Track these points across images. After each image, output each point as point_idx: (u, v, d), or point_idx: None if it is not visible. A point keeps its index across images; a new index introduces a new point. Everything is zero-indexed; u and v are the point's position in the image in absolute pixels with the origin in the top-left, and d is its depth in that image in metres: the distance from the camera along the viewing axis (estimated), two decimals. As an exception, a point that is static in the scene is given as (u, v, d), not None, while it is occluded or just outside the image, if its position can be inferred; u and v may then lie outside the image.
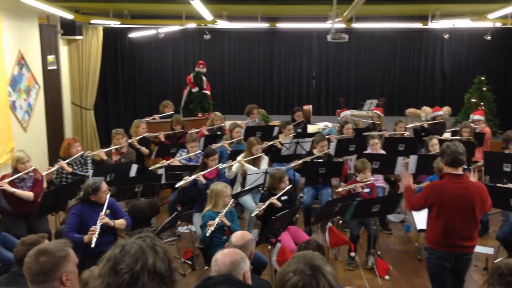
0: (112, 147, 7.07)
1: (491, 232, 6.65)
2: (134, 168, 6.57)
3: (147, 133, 7.75)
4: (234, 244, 3.23)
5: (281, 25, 10.69)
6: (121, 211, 5.04)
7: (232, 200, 5.21)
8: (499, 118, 11.26)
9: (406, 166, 6.90)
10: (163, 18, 10.30)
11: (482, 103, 10.70)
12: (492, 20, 8.62)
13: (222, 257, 2.60)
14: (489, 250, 5.99)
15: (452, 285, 4.28)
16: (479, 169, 7.30)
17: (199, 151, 6.92)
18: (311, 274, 1.79)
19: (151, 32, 11.21)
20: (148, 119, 8.95)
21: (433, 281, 4.35)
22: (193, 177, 5.90)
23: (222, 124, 8.55)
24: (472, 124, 8.25)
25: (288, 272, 1.81)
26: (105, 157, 6.75)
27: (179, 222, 6.32)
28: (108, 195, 4.84)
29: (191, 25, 9.99)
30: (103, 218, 4.62)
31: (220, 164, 6.40)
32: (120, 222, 4.88)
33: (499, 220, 6.78)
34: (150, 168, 6.89)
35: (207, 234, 4.77)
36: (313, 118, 12.45)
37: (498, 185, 5.79)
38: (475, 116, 8.76)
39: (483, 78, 10.95)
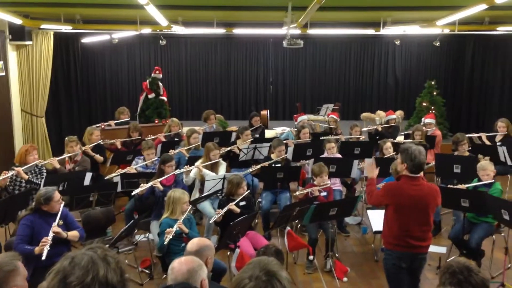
0: (66, 155, 6.87)
1: (444, 231, 6.85)
2: (88, 176, 6.39)
3: (101, 140, 7.57)
4: (189, 251, 3.19)
5: (237, 31, 10.71)
6: (75, 223, 4.88)
7: (190, 206, 5.15)
8: (449, 121, 11.68)
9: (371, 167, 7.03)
10: (117, 23, 10.11)
11: (432, 107, 11.06)
12: (440, 26, 8.94)
13: (178, 265, 2.56)
14: (442, 250, 6.17)
15: (408, 285, 4.37)
16: (431, 170, 7.54)
17: (156, 158, 6.82)
18: (266, 280, 1.79)
19: (104, 37, 10.98)
20: (103, 126, 8.75)
21: (390, 282, 4.43)
22: (150, 184, 5.80)
23: (180, 131, 8.46)
24: (423, 127, 8.51)
25: (243, 279, 1.80)
26: (58, 166, 6.54)
27: (136, 231, 6.21)
28: (62, 205, 4.68)
29: (146, 30, 9.86)
30: (55, 229, 4.45)
31: (178, 170, 6.32)
32: (73, 234, 4.72)
33: (451, 220, 7.01)
34: (106, 178, 6.73)
35: (165, 242, 4.69)
36: (271, 123, 12.53)
37: (449, 186, 5.98)
38: (426, 120, 9.05)
39: (433, 82, 11.33)
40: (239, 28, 10.55)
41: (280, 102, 14.99)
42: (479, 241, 5.48)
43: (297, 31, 9.70)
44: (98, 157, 7.35)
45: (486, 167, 5.72)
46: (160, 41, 10.97)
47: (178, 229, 4.79)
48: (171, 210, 4.96)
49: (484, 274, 5.48)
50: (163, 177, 5.92)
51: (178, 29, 9.81)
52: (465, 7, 7.03)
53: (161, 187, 5.78)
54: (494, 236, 5.75)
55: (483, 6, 6.47)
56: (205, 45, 14.52)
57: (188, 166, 6.60)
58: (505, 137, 7.98)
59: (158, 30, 10.05)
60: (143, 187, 5.75)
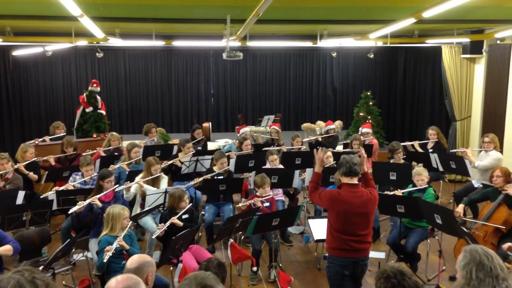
0: (-5, 173, 6.52)
1: (382, 237, 7.08)
2: (21, 195, 6.10)
3: (35, 158, 7.26)
4: (129, 268, 3.11)
5: (177, 43, 10.65)
6: (6, 237, 4.63)
7: (131, 222, 5.02)
8: (385, 130, 12.12)
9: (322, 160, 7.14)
10: (50, 35, 9.76)
11: (369, 117, 11.45)
12: (373, 39, 9.31)
13: (115, 284, 2.48)
14: (381, 255, 6.37)
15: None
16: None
17: (95, 174, 6.61)
18: None
19: (37, 49, 10.58)
20: (37, 142, 8.39)
21: (333, 289, 4.52)
22: (88, 201, 5.61)
23: (119, 145, 8.27)
24: (361, 137, 8.78)
25: (179, 294, 1.78)
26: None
27: (74, 250, 5.96)
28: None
29: (82, 42, 9.59)
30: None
31: (117, 185, 6.16)
32: (5, 249, 4.47)
33: (389, 226, 7.25)
34: (42, 196, 6.44)
35: (105, 260, 4.54)
36: (213, 135, 12.52)
37: (386, 192, 6.20)
38: (363, 129, 9.35)
39: (369, 93, 11.74)
40: (179, 40, 10.49)
41: (222, 114, 15.01)
42: (415, 246, 5.71)
43: (237, 44, 9.78)
44: (32, 175, 7.04)
45: (421, 173, 6.00)
46: (97, 54, 10.71)
47: (118, 246, 4.66)
48: (110, 226, 4.81)
49: (421, 277, 5.73)
50: (102, 193, 5.74)
51: (116, 41, 9.62)
52: (396, 21, 7.36)
53: (99, 204, 5.60)
54: (428, 240, 6.01)
55: (412, 20, 6.80)
56: (144, 57, 14.32)
57: (128, 181, 6.46)
58: (436, 144, 8.40)
59: (94, 42, 9.80)
60: (81, 204, 5.55)
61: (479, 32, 9.54)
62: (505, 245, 4.94)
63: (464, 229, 5.08)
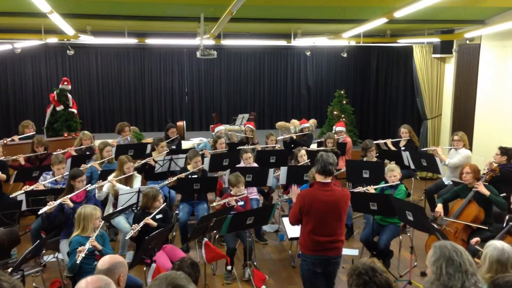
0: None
1: (356, 234, 7.16)
2: (-11, 195, 5.94)
3: (3, 157, 7.07)
4: (100, 269, 3.07)
5: (150, 41, 10.53)
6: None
7: (103, 222, 4.94)
8: (358, 129, 12.26)
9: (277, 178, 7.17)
10: (19, 32, 9.53)
11: (343, 115, 11.56)
12: (346, 38, 9.40)
13: (85, 285, 2.44)
14: (355, 252, 6.45)
15: (324, 289, 4.51)
16: (342, 176, 7.86)
17: (67, 173, 6.49)
18: None
19: (6, 46, 10.30)
20: (5, 141, 8.18)
21: (306, 287, 4.54)
22: (58, 201, 5.49)
23: (91, 144, 8.13)
24: (335, 135, 8.86)
25: (150, 295, 1.76)
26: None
27: (44, 251, 5.83)
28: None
29: (52, 39, 9.39)
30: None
31: (89, 185, 6.06)
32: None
33: (362, 223, 7.34)
34: (11, 196, 6.28)
35: (78, 261, 4.46)
36: (188, 134, 12.45)
37: (359, 188, 6.27)
38: (337, 128, 9.44)
39: (342, 92, 11.85)
40: (152, 38, 10.38)
41: (196, 112, 14.93)
42: (387, 242, 5.79)
43: (211, 42, 9.73)
44: (0, 175, 6.87)
45: (394, 169, 6.08)
46: (68, 51, 10.51)
47: (90, 246, 4.58)
48: (82, 227, 4.72)
49: (393, 273, 5.81)
50: (73, 193, 5.64)
51: (87, 39, 9.45)
52: (368, 20, 7.45)
53: (71, 204, 5.49)
54: (400, 237, 6.10)
55: (384, 20, 6.89)
56: (117, 55, 14.13)
57: (101, 180, 6.36)
58: (408, 142, 8.54)
59: (65, 40, 9.61)
60: (51, 204, 5.43)
61: (449, 32, 9.74)
62: (473, 240, 5.07)
63: (435, 226, 5.18)
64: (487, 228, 5.40)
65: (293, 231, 5.64)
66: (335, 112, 11.64)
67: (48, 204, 5.46)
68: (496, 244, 3.26)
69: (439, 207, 5.96)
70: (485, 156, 7.72)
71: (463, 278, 2.63)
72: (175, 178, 6.78)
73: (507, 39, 8.18)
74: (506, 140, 7.44)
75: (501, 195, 5.69)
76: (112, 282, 2.48)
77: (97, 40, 9.96)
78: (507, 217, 5.00)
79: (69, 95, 10.04)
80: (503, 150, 6.67)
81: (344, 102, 11.75)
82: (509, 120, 8.16)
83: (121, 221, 6.14)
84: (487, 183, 5.77)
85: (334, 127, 9.81)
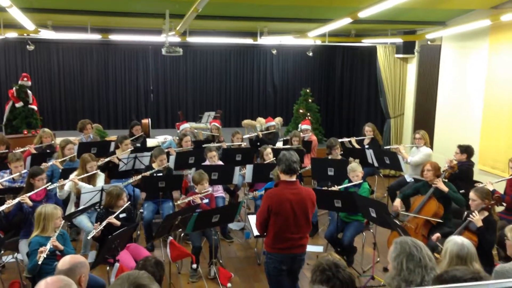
0: None
1: (320, 231, 7.24)
2: None
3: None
4: (60, 270, 3.00)
5: (114, 37, 10.33)
6: None
7: (63, 221, 4.82)
8: (324, 127, 12.39)
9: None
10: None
11: (308, 114, 11.65)
12: (312, 38, 9.49)
13: (44, 286, 2.38)
14: (319, 249, 6.51)
15: (288, 285, 4.55)
16: (308, 173, 7.94)
17: (25, 171, 6.30)
18: None
19: (-38, 41, 9.94)
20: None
21: (271, 283, 4.56)
22: (17, 200, 5.32)
23: (52, 142, 7.93)
24: (300, 133, 8.93)
25: (112, 295, 1.73)
26: None
27: (2, 251, 5.66)
28: None
29: (11, 34, 9.09)
30: None
31: (50, 184, 5.90)
32: None
33: (327, 220, 7.43)
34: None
35: (39, 262, 4.33)
36: (153, 131, 12.30)
37: (324, 188, 6.34)
38: (303, 126, 9.52)
39: (308, 90, 11.94)
40: (116, 34, 10.19)
41: (162, 110, 14.76)
42: (351, 239, 5.88)
43: (177, 39, 9.64)
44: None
45: (355, 169, 6.17)
46: (28, 46, 10.21)
47: (51, 247, 4.47)
48: (42, 227, 4.59)
49: (356, 268, 5.91)
50: (33, 192, 5.48)
51: (48, 34, 9.20)
52: (333, 20, 7.54)
53: (30, 203, 5.33)
54: (364, 233, 6.21)
55: (349, 20, 7.00)
56: (79, 51, 13.80)
57: (62, 179, 6.21)
58: (372, 141, 8.70)
59: (25, 35, 9.32)
60: (9, 203, 5.26)
61: (411, 33, 9.97)
62: (434, 236, 5.20)
63: (397, 222, 5.29)
64: (442, 221, 5.55)
65: (259, 228, 5.65)
66: (300, 111, 11.73)
67: (6, 202, 5.28)
68: (456, 240, 3.36)
69: (397, 202, 6.11)
70: (445, 154, 7.94)
71: (422, 273, 2.70)
72: (139, 176, 6.68)
73: (467, 40, 8.43)
74: (465, 139, 7.67)
75: (460, 191, 5.87)
76: (73, 282, 2.43)
77: (58, 36, 9.72)
78: (465, 213, 5.15)
79: (29, 92, 9.78)
80: (462, 148, 6.88)
81: (310, 100, 11.85)
82: (468, 119, 8.42)
83: (83, 220, 6.02)
84: (446, 180, 5.93)
85: (299, 125, 9.88)
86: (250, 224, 6.01)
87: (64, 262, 3.10)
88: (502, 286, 1.11)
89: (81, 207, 5.83)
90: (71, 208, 6.23)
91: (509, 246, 3.72)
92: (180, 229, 5.78)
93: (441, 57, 9.23)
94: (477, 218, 4.79)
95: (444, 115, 9.19)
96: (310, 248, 5.94)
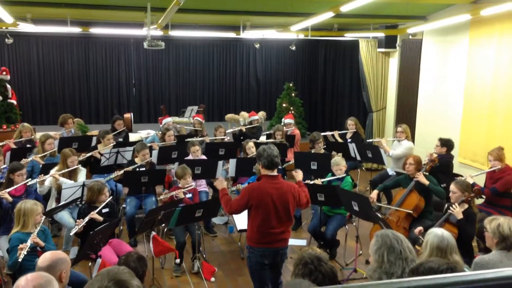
0: None
1: (304, 225, 7.28)
2: None
3: None
4: (40, 266, 2.97)
5: (94, 30, 10.19)
6: None
7: (44, 217, 4.77)
8: (307, 121, 12.43)
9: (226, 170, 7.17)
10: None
11: (291, 108, 11.68)
12: (295, 32, 9.49)
13: (25, 283, 2.35)
14: (303, 242, 6.56)
15: (271, 279, 4.57)
16: (291, 168, 7.95)
17: (4, 166, 6.21)
18: None
19: None
20: None
21: (253, 278, 4.58)
22: (-4, 196, 5.25)
23: (32, 136, 7.81)
24: (284, 127, 8.94)
25: (91, 291, 1.72)
26: None
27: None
28: None
29: (-11, 27, 8.92)
30: None
31: (30, 179, 5.82)
32: None
33: (310, 214, 7.46)
34: None
35: (20, 259, 4.28)
36: (135, 126, 12.20)
37: (307, 181, 6.36)
38: (286, 120, 9.52)
39: (291, 84, 11.96)
40: (97, 28, 10.05)
41: (144, 104, 14.63)
42: (334, 232, 5.93)
43: (159, 33, 9.54)
44: None
45: (339, 163, 6.21)
46: (6, 40, 10.01)
47: (32, 243, 4.41)
48: (22, 223, 4.54)
49: (339, 261, 5.95)
50: (12, 188, 5.40)
51: (27, 27, 9.03)
52: (315, 14, 7.54)
53: (9, 198, 5.27)
54: (347, 226, 6.27)
55: (331, 14, 7.00)
56: (60, 44, 13.58)
57: (42, 175, 6.13)
58: (354, 134, 8.76)
59: (3, 28, 9.14)
60: (-11, 199, 5.18)
61: (393, 27, 10.03)
62: (416, 230, 5.26)
63: (379, 215, 5.35)
64: (422, 214, 5.62)
65: (242, 223, 5.66)
66: (284, 105, 11.74)
67: (-15, 199, 5.21)
68: (436, 232, 3.42)
69: (374, 193, 6.18)
70: (427, 147, 8.03)
71: (403, 265, 2.74)
72: (121, 171, 6.63)
73: (447, 35, 8.52)
74: (446, 132, 7.77)
75: (441, 185, 5.95)
76: (53, 279, 2.40)
77: (38, 29, 9.55)
78: (446, 205, 5.23)
79: (8, 86, 9.61)
80: (443, 142, 6.96)
81: (293, 94, 11.87)
82: (449, 112, 8.53)
83: (64, 216, 5.96)
84: (427, 173, 6.00)
85: (283, 119, 9.89)
86: (233, 218, 6.02)
87: (44, 259, 3.07)
88: (480, 277, 1.12)
89: (62, 203, 5.76)
90: (52, 204, 6.16)
91: (488, 238, 3.78)
92: (164, 224, 5.76)
93: (422, 51, 9.32)
94: (457, 211, 4.86)
95: (425, 108, 9.29)
96: (293, 242, 5.99)
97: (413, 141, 8.41)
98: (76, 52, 13.78)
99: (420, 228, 5.32)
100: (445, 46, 8.65)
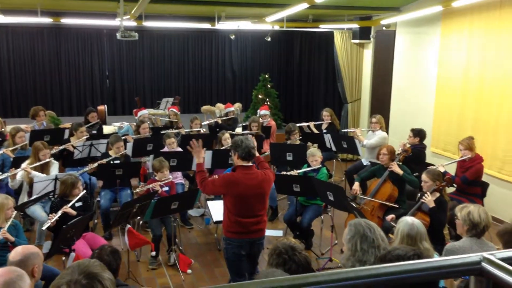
0: None
1: (280, 216, 7.31)
2: None
3: None
4: (12, 261, 2.92)
5: (66, 21, 9.97)
6: None
7: (15, 212, 4.68)
8: (282, 112, 12.47)
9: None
10: None
11: (267, 99, 11.69)
12: (270, 23, 9.48)
13: (-6, 278, 2.30)
14: (279, 233, 6.60)
15: (248, 269, 4.59)
16: (267, 159, 7.98)
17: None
18: (86, 283, 1.70)
19: None
20: None
21: (230, 269, 4.60)
22: (-35, 191, 5.13)
23: (2, 129, 7.64)
24: (259, 119, 8.94)
25: (61, 285, 1.69)
26: None
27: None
28: None
29: (-44, 17, 8.63)
30: None
31: (0, 173, 5.70)
32: None
33: (286, 204, 7.51)
34: None
35: (-12, 255, 4.20)
36: (109, 118, 12.02)
37: (283, 172, 6.40)
38: (261, 111, 9.53)
39: (267, 75, 11.97)
40: (68, 18, 9.84)
41: (119, 96, 14.42)
42: (309, 222, 5.98)
43: (132, 23, 9.41)
44: None
45: (314, 154, 6.26)
46: (-26, 30, 9.73)
47: (2, 238, 4.33)
48: (-8, 218, 4.44)
49: (315, 251, 6.01)
50: (-18, 182, 5.28)
51: (-4, 17, 8.78)
52: (290, 5, 7.55)
53: (-20, 194, 5.14)
54: (322, 216, 6.32)
55: (305, 5, 7.02)
56: (30, 35, 13.24)
57: (13, 168, 6.01)
58: (330, 125, 8.82)
59: (-29, 18, 8.87)
60: (-43, 194, 5.05)
61: (367, 18, 10.11)
62: (388, 217, 5.36)
63: (353, 205, 5.42)
64: (397, 206, 5.71)
65: (219, 214, 5.65)
66: (260, 96, 11.75)
67: (-47, 194, 5.07)
68: (407, 220, 3.49)
69: (356, 185, 6.25)
70: (400, 137, 8.16)
71: (376, 253, 2.79)
72: (95, 164, 6.55)
73: (420, 26, 8.63)
74: (419, 122, 7.90)
75: (414, 174, 6.06)
76: (25, 273, 2.36)
77: (7, 19, 9.30)
78: (418, 194, 5.33)
79: (-23, 78, 9.34)
80: (415, 132, 7.08)
81: (269, 86, 11.88)
82: (421, 103, 8.66)
83: (36, 210, 5.85)
84: (400, 163, 6.10)
85: (258, 110, 9.89)
86: (209, 210, 6.01)
87: (16, 253, 3.01)
88: (446, 263, 1.15)
89: (34, 197, 5.66)
90: (23, 198, 6.05)
91: (459, 225, 3.87)
92: (139, 217, 5.71)
93: (396, 42, 9.43)
94: (429, 199, 4.96)
95: (399, 99, 9.42)
96: (269, 232, 6.02)
97: (387, 131, 8.52)
98: (48, 43, 13.46)
99: (392, 215, 5.41)
100: (418, 37, 8.77)
